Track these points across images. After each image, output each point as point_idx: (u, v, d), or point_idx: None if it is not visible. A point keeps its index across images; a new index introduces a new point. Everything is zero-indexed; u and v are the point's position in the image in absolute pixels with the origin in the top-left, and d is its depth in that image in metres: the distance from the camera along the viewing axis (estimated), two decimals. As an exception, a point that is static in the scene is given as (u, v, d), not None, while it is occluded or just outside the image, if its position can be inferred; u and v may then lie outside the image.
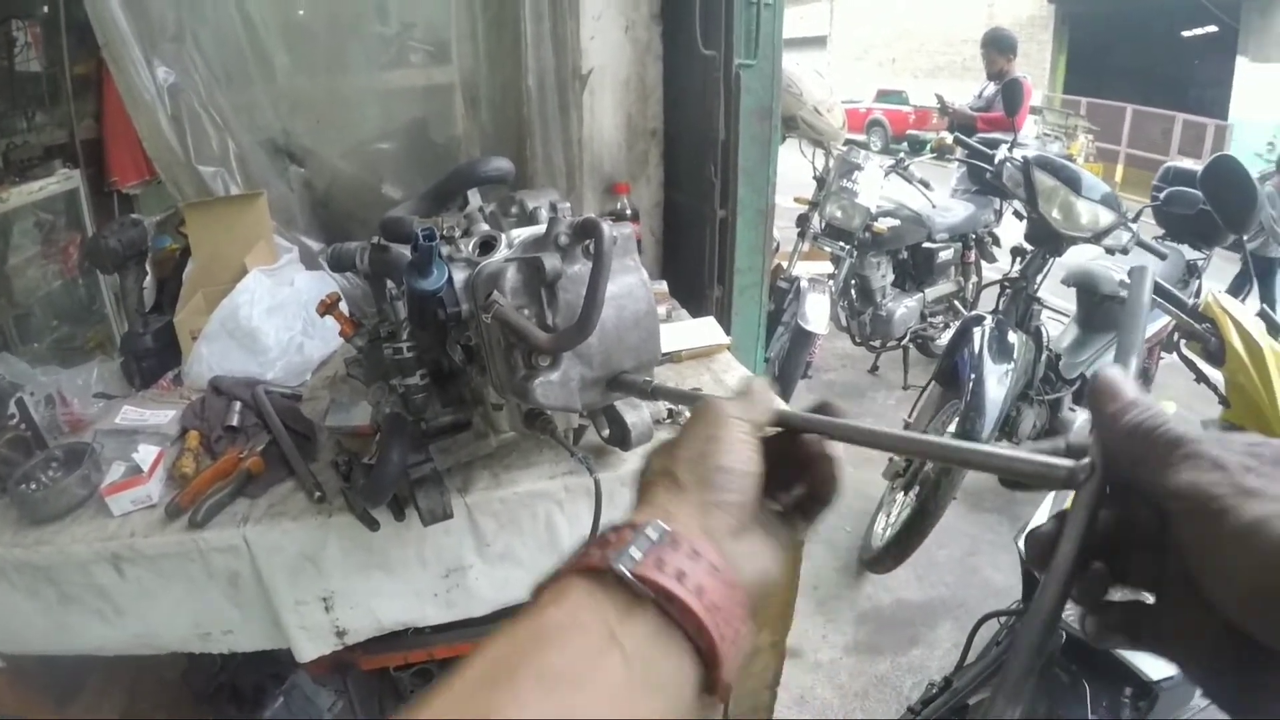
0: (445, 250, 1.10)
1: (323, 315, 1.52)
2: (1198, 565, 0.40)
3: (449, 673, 0.42)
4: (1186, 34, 15.71)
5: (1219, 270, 3.38)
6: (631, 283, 1.00)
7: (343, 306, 1.53)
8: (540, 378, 0.94)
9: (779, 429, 0.59)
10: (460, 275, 1.08)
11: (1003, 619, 2.17)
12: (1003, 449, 0.49)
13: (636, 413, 1.25)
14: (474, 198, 1.37)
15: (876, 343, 4.85)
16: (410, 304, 1.14)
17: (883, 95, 17.47)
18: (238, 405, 1.73)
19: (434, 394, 1.29)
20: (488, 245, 1.10)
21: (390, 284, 1.27)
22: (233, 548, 1.45)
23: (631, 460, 1.49)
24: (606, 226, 0.89)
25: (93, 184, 3.78)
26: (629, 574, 0.45)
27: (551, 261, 0.95)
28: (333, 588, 1.50)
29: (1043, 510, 2.05)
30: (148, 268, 2.22)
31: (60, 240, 3.75)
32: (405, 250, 1.19)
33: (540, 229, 1.10)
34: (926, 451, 0.54)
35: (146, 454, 1.57)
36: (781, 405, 0.59)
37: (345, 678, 2.16)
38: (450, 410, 1.34)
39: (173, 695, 2.15)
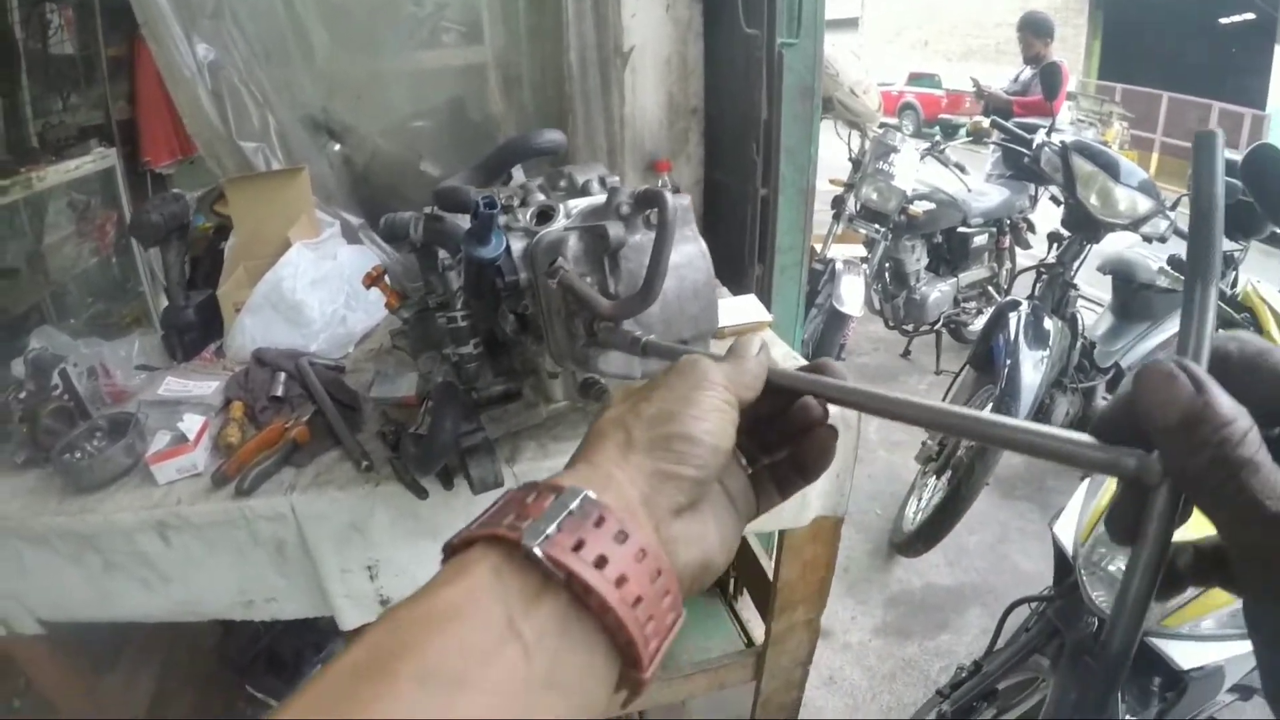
0: (502, 220, 1.11)
1: (368, 287, 1.53)
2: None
3: (328, 662, 0.37)
4: (1224, 21, 15.42)
5: (1256, 264, 3.35)
6: (692, 253, 1.00)
7: (386, 279, 1.53)
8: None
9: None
10: (518, 244, 1.08)
11: (1033, 605, 2.17)
12: (1048, 428, 0.41)
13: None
14: (517, 173, 1.38)
15: (910, 327, 4.83)
16: (467, 272, 1.15)
17: (915, 78, 17.29)
18: (282, 376, 1.73)
19: (486, 363, 1.30)
20: (545, 215, 1.11)
21: (443, 254, 1.28)
22: (279, 515, 1.46)
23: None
24: (670, 195, 0.89)
25: (127, 164, 3.84)
26: (540, 554, 0.39)
27: (616, 230, 0.95)
28: (378, 556, 1.51)
29: (1076, 499, 2.04)
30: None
31: (96, 218, 3.80)
32: (460, 220, 1.19)
33: (597, 200, 1.11)
34: (948, 425, 0.46)
35: (192, 423, 1.58)
36: (775, 366, 0.53)
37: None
38: (501, 380, 1.35)
39: (208, 664, 2.18)
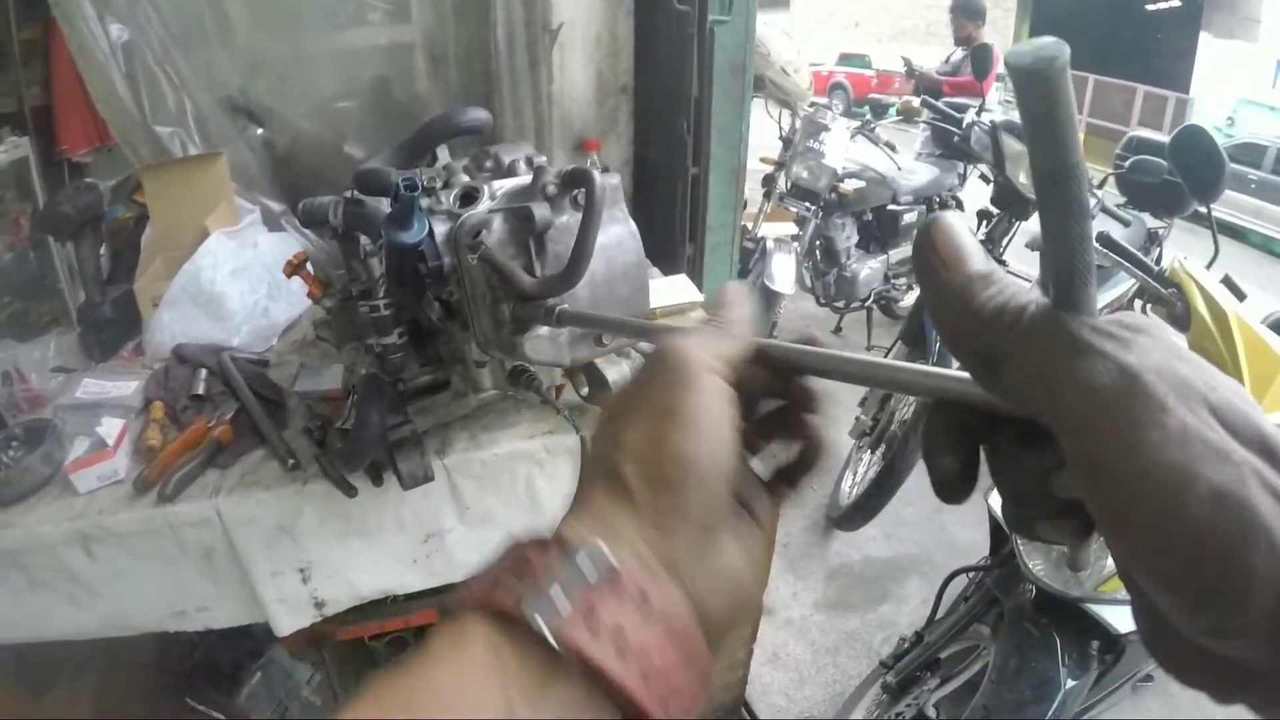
0: (425, 203, 1.07)
1: (290, 276, 1.48)
2: (1089, 496, 0.32)
3: None
4: (1151, 7, 15.78)
5: (1179, 241, 3.44)
6: (621, 233, 0.97)
7: (309, 267, 1.48)
8: (529, 331, 0.91)
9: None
10: (441, 228, 1.04)
11: (971, 574, 2.20)
12: None
13: (616, 369, 1.23)
14: (443, 154, 1.33)
15: (841, 304, 4.87)
16: (388, 258, 1.11)
17: (845, 58, 17.39)
18: (203, 373, 1.68)
19: (411, 353, 1.26)
20: (469, 197, 1.07)
21: (364, 240, 1.23)
22: (205, 520, 1.41)
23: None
24: (598, 174, 0.86)
25: (42, 154, 3.68)
26: (547, 633, 0.33)
27: (541, 211, 0.92)
28: (309, 558, 1.47)
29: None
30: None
31: (11, 211, 3.63)
32: (382, 203, 1.15)
33: (523, 180, 1.07)
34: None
35: (110, 427, 1.52)
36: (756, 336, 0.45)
37: (322, 650, 2.14)
38: (428, 370, 1.31)
39: (147, 681, 2.11)
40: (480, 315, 1.00)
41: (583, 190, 0.90)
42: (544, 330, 0.92)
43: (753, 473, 0.46)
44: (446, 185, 1.12)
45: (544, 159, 1.24)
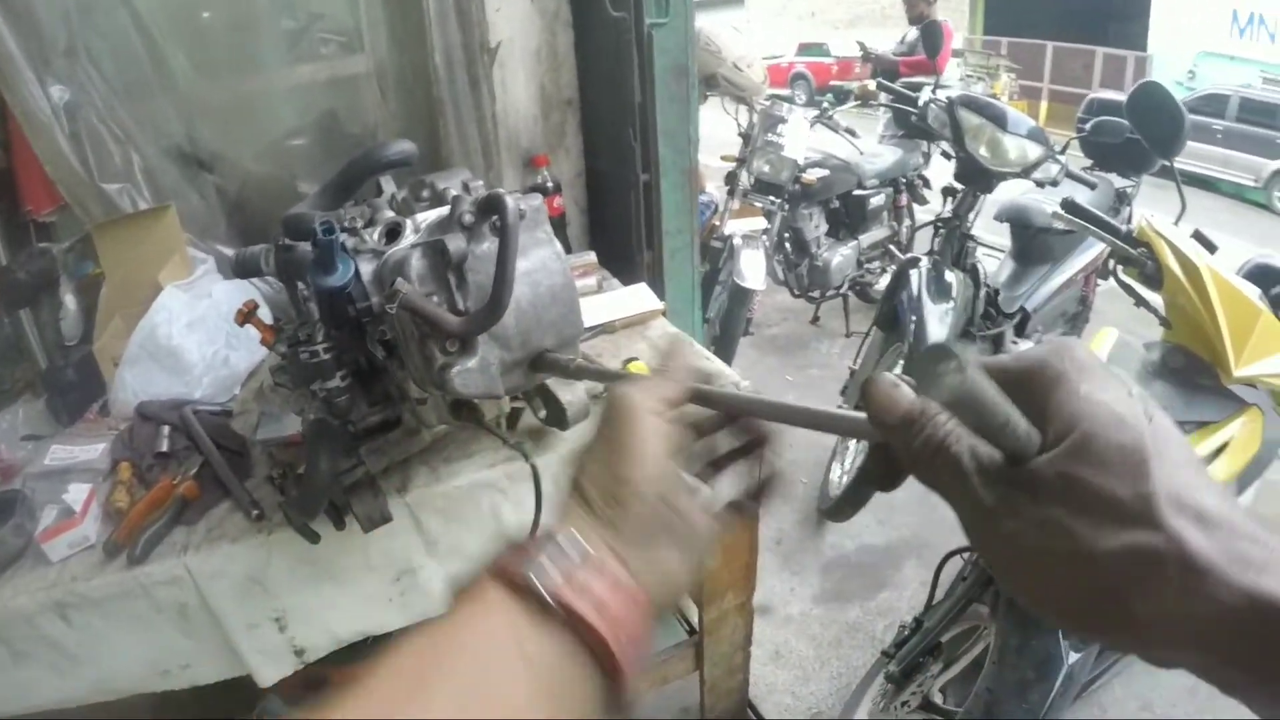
0: (350, 242, 1.05)
1: (242, 324, 1.45)
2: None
3: (362, 678, 0.45)
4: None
5: (1150, 198, 3.44)
6: (544, 256, 0.96)
7: (263, 313, 1.46)
8: (457, 366, 0.90)
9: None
10: (367, 267, 1.02)
11: (965, 555, 2.19)
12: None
13: (571, 390, 1.21)
14: (388, 185, 1.32)
15: (816, 293, 4.88)
16: (319, 303, 1.09)
17: (804, 49, 17.47)
18: (166, 430, 1.66)
19: (359, 394, 1.24)
20: (393, 233, 1.05)
21: (302, 285, 1.22)
22: (176, 579, 1.40)
23: (571, 439, 1.45)
24: (511, 199, 0.84)
25: (6, 216, 3.64)
26: (540, 588, 0.47)
27: (455, 243, 0.90)
28: (283, 606, 1.46)
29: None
30: (65, 297, 2.14)
31: (-24, 279, 3.60)
32: (310, 248, 1.13)
33: (444, 211, 1.06)
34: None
35: (77, 493, 1.51)
36: (705, 369, 0.57)
37: (320, 693, 2.10)
38: (378, 409, 1.29)
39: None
40: (411, 354, 0.98)
41: (498, 216, 0.88)
42: (472, 362, 0.90)
43: (691, 491, 0.58)
44: (370, 223, 1.10)
45: (480, 184, 1.22)
